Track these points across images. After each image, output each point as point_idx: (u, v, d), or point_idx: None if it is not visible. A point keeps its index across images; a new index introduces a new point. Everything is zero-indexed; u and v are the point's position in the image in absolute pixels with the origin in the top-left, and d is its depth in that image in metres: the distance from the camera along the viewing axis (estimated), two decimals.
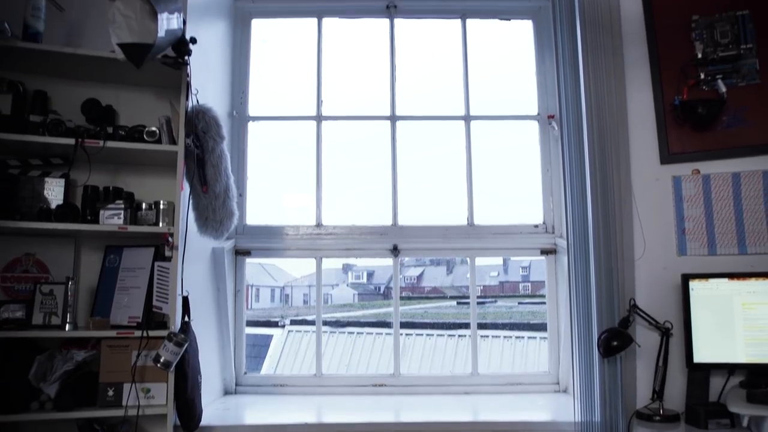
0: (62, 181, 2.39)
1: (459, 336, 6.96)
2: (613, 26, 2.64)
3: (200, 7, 2.74)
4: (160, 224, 2.35)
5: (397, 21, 3.27)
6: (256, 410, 2.77)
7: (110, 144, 2.30)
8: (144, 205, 2.37)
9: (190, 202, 2.42)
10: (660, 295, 2.53)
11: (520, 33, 3.29)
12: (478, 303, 3.15)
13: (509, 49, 3.36)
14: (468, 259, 3.15)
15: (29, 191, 2.37)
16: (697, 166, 2.59)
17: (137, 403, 2.22)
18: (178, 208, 2.32)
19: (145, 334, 2.23)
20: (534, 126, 3.19)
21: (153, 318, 2.33)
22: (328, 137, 3.20)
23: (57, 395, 2.18)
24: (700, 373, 2.42)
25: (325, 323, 7.50)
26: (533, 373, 3.10)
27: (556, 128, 2.94)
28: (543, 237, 3.08)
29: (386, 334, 7.08)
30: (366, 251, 3.15)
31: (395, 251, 3.07)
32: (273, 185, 3.35)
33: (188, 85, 2.35)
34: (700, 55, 2.60)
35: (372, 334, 7.33)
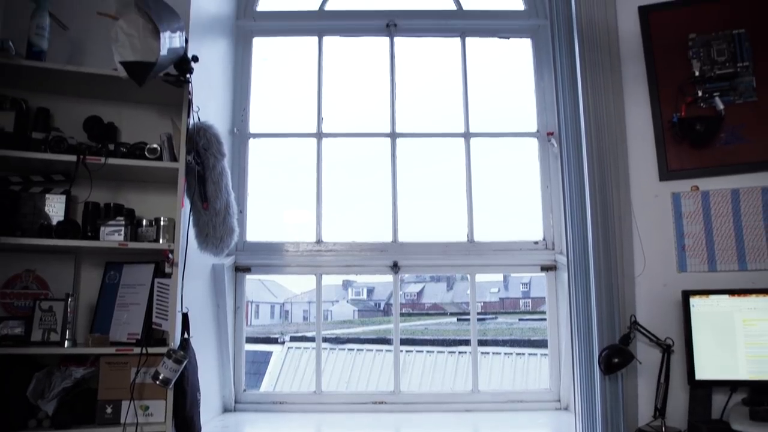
0: (63, 198, 2.40)
1: (459, 353, 6.93)
2: (611, 45, 2.67)
3: (202, 25, 2.77)
4: (161, 241, 2.35)
5: (397, 39, 3.31)
6: (256, 428, 2.75)
7: (111, 161, 2.31)
8: (144, 222, 2.37)
9: (191, 218, 2.43)
10: (660, 311, 2.52)
11: (519, 51, 3.32)
12: (479, 319, 3.14)
13: (508, 67, 3.39)
14: (468, 276, 3.15)
15: (30, 208, 2.37)
16: (696, 183, 2.60)
17: (136, 420, 2.20)
18: (179, 225, 2.33)
19: (144, 351, 2.22)
20: (533, 143, 3.20)
21: (152, 335, 2.32)
22: (329, 154, 3.22)
23: (55, 413, 2.16)
24: (702, 390, 2.40)
25: (325, 340, 7.47)
26: (534, 390, 3.08)
27: (556, 145, 2.96)
28: (543, 253, 3.08)
29: (386, 350, 7.05)
30: (366, 268, 3.15)
31: (395, 268, 3.07)
32: (273, 202, 3.36)
33: (190, 102, 2.36)
34: (697, 73, 2.63)
35: (372, 350, 7.30)
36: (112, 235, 2.30)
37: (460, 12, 3.34)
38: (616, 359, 2.35)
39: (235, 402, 2.98)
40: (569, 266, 2.61)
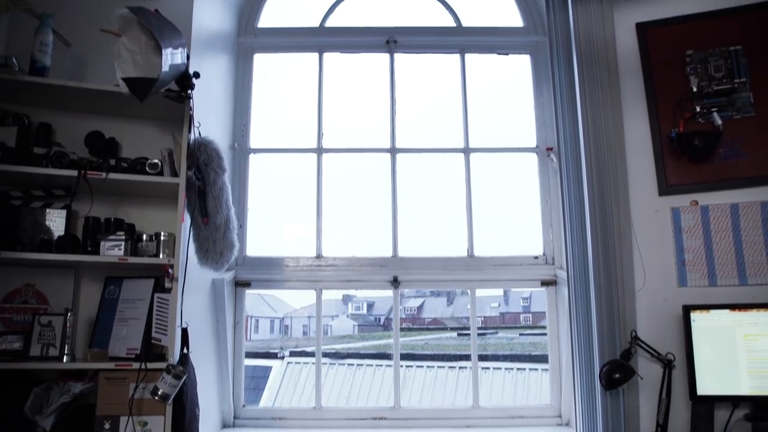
0: (64, 213, 2.41)
1: (460, 368, 6.89)
2: (610, 61, 2.69)
3: (204, 42, 2.80)
4: (161, 255, 2.36)
5: (397, 56, 3.33)
6: None
7: (112, 176, 2.32)
8: (145, 237, 2.38)
9: (191, 233, 2.43)
10: (661, 326, 2.52)
11: (518, 67, 3.35)
12: (479, 334, 3.13)
13: (508, 83, 3.41)
14: (468, 291, 3.14)
15: (31, 222, 2.37)
16: (695, 198, 2.61)
17: None
18: (179, 240, 2.33)
19: (143, 366, 2.21)
20: (533, 158, 3.22)
21: (151, 350, 2.31)
22: (329, 169, 3.23)
23: (53, 428, 2.15)
24: (704, 406, 2.39)
25: (325, 355, 7.44)
26: (535, 405, 3.06)
27: (555, 160, 2.97)
28: (543, 268, 3.08)
29: (386, 365, 7.00)
30: (366, 283, 3.14)
31: (395, 283, 3.07)
32: (273, 217, 3.37)
33: (191, 118, 2.38)
34: (695, 89, 2.65)
35: (372, 365, 7.25)
36: (112, 249, 2.30)
37: (459, 29, 3.37)
38: (617, 375, 2.35)
39: (234, 418, 2.96)
40: (569, 281, 2.61)
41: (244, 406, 3.01)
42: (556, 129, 2.75)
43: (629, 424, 2.41)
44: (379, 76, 3.32)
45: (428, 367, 7.09)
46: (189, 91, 2.35)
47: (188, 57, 2.32)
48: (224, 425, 2.93)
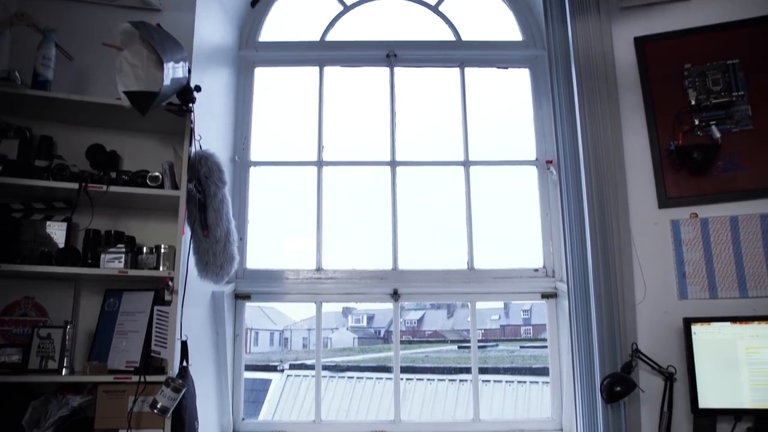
0: (64, 225, 2.41)
1: (460, 381, 6.86)
2: (608, 74, 2.71)
3: (205, 56, 2.82)
4: (161, 268, 2.36)
5: (397, 69, 3.36)
6: None
7: (113, 188, 2.33)
8: (145, 249, 2.38)
9: (191, 246, 2.43)
10: (662, 339, 2.51)
11: (518, 80, 3.37)
12: (480, 347, 3.13)
13: (507, 96, 3.43)
14: (468, 303, 3.14)
15: (31, 235, 2.38)
16: (694, 210, 2.61)
17: None
18: (179, 252, 2.33)
19: (142, 379, 2.20)
20: (533, 171, 3.23)
21: (151, 363, 2.30)
22: (329, 182, 3.24)
23: None
24: (706, 419, 2.38)
25: (325, 368, 7.39)
26: (536, 419, 3.04)
27: (555, 173, 2.98)
28: (543, 281, 3.08)
29: (386, 378, 6.97)
30: (366, 296, 3.14)
31: (395, 295, 3.06)
32: (274, 229, 3.37)
33: (192, 131, 2.39)
34: (693, 102, 2.66)
35: (372, 378, 7.22)
36: (113, 262, 2.30)
37: (459, 43, 3.39)
38: (618, 388, 2.34)
39: (234, 431, 2.95)
40: (570, 294, 2.61)
41: (243, 419, 3.00)
42: (556, 142, 2.76)
43: None
44: (379, 90, 3.34)
45: (428, 380, 7.05)
46: (190, 105, 2.37)
47: (190, 71, 2.34)
48: None
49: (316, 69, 3.37)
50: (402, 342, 3.80)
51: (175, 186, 2.39)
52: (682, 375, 2.42)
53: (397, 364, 3.07)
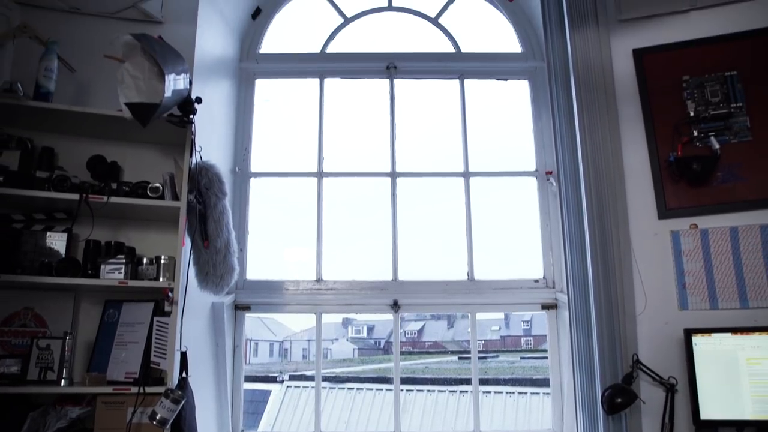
0: (65, 236, 2.41)
1: (460, 392, 6.83)
2: (607, 86, 2.72)
3: (207, 67, 2.83)
4: (161, 279, 2.36)
5: (397, 81, 3.38)
6: None
7: (114, 199, 2.33)
8: (145, 260, 2.38)
9: (191, 257, 2.43)
10: (663, 350, 2.50)
11: (517, 92, 3.38)
12: (480, 358, 3.11)
13: (507, 108, 3.45)
14: (469, 314, 3.13)
15: (31, 245, 2.38)
16: (694, 221, 2.62)
17: None
18: (179, 263, 2.33)
19: (141, 391, 2.19)
20: (532, 182, 3.23)
21: (150, 374, 2.30)
22: (329, 193, 3.24)
23: None
24: (707, 431, 2.37)
25: (324, 378, 7.37)
26: (537, 430, 3.04)
27: (555, 184, 2.98)
28: (543, 292, 3.07)
29: (386, 389, 6.94)
30: (366, 306, 3.14)
31: (395, 306, 3.06)
32: (274, 240, 3.37)
33: (192, 142, 2.40)
34: (692, 114, 2.67)
35: (372, 389, 7.19)
36: (113, 273, 2.30)
37: (458, 54, 3.41)
38: (619, 399, 2.33)
39: None
40: (570, 305, 2.60)
41: (242, 430, 2.98)
42: (555, 153, 2.77)
43: None
44: (379, 101, 3.35)
45: (429, 391, 7.02)
46: (191, 116, 2.38)
47: (191, 82, 2.35)
48: None
49: (317, 81, 3.39)
50: (402, 353, 3.79)
51: (176, 197, 2.39)
52: (683, 386, 2.41)
53: (397, 375, 3.06)
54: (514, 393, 6.57)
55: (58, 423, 2.16)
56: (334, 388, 7.42)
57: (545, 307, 3.07)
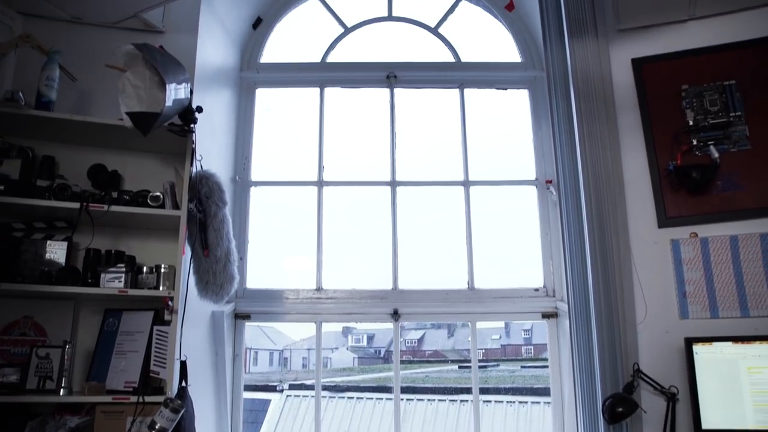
0: (65, 244, 2.41)
1: (461, 401, 6.80)
2: (606, 95, 2.73)
3: (207, 77, 2.85)
4: (161, 288, 2.35)
5: (397, 90, 3.39)
6: None
7: (114, 208, 2.33)
8: (145, 269, 2.38)
9: (191, 265, 2.43)
10: (664, 359, 2.50)
11: (517, 101, 3.40)
12: (480, 367, 3.11)
13: (506, 117, 3.46)
14: (469, 323, 3.12)
15: (32, 254, 2.38)
16: (694, 230, 2.62)
17: None
18: (179, 272, 2.33)
19: (141, 400, 2.19)
20: (532, 191, 3.24)
21: (149, 383, 2.29)
22: (329, 202, 3.25)
23: None
24: None
25: (324, 388, 7.34)
26: None
27: (554, 193, 2.99)
28: (544, 300, 3.07)
29: (386, 399, 6.92)
30: (366, 315, 3.13)
31: (396, 315, 3.05)
32: (274, 249, 3.37)
33: (193, 151, 2.41)
34: (691, 123, 2.68)
35: (372, 399, 7.16)
36: (113, 282, 2.30)
37: (458, 64, 3.43)
38: (620, 408, 2.32)
39: None
40: (570, 314, 2.60)
41: None
42: (555, 162, 2.78)
43: None
44: (379, 111, 3.37)
45: (429, 400, 7.00)
46: (192, 125, 2.39)
47: (191, 92, 2.36)
48: None
49: (317, 90, 3.41)
50: (402, 362, 3.78)
51: (176, 206, 2.40)
52: (684, 395, 2.40)
53: (398, 384, 3.05)
54: (514, 402, 6.54)
55: None
56: (334, 397, 7.39)
57: (545, 315, 3.06)
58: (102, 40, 2.68)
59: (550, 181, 3.12)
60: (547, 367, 3.08)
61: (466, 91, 3.39)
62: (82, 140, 2.54)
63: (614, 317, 2.49)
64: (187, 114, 2.35)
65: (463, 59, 3.43)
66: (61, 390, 2.23)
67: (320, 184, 3.26)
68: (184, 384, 2.28)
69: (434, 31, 3.50)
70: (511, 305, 3.07)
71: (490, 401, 6.54)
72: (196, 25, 2.74)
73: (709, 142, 2.64)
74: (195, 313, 2.56)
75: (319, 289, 3.13)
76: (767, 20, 2.70)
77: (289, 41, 3.50)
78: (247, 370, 3.13)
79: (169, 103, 2.13)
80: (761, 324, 2.46)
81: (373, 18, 3.53)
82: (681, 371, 2.45)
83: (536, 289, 3.10)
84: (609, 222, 2.58)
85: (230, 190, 3.04)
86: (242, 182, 3.23)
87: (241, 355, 3.05)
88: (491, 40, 3.51)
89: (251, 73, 3.36)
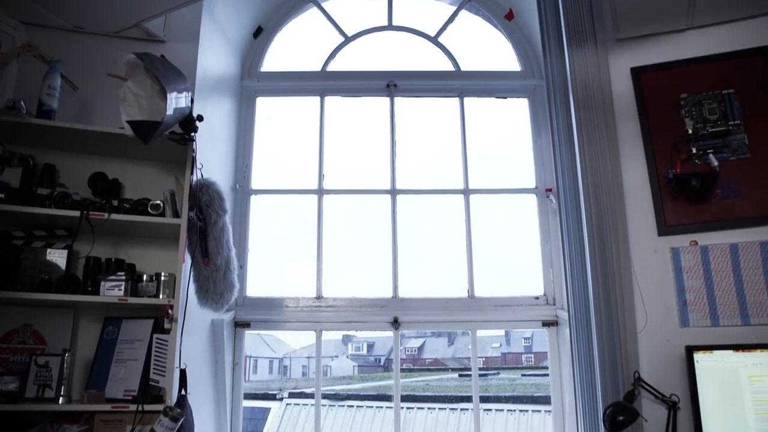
0: (65, 253, 2.41)
1: (461, 410, 6.77)
2: (606, 104, 2.74)
3: (208, 86, 2.86)
4: (161, 296, 2.35)
5: (397, 99, 3.40)
6: None
7: (114, 216, 2.34)
8: (145, 277, 2.38)
9: (191, 274, 2.43)
10: (664, 367, 2.49)
11: (517, 110, 3.41)
12: (481, 375, 3.10)
13: (506, 125, 3.47)
14: (469, 331, 3.12)
15: (32, 262, 2.38)
16: (694, 238, 2.62)
17: None
18: (179, 280, 2.33)
19: (140, 408, 2.18)
20: (532, 199, 3.24)
21: (149, 391, 2.28)
22: (330, 210, 3.25)
23: None
24: None
25: (324, 396, 7.31)
26: None
27: (554, 201, 2.99)
28: (544, 309, 3.07)
29: (386, 407, 6.89)
30: (366, 324, 3.13)
31: (396, 324, 3.05)
32: (274, 257, 3.37)
33: (193, 159, 2.41)
34: (690, 131, 2.69)
35: (372, 407, 7.13)
36: (112, 290, 2.30)
37: (458, 73, 3.44)
38: (620, 417, 2.31)
39: None
40: (570, 322, 2.60)
41: None
42: (555, 170, 2.78)
43: None
44: (379, 119, 3.38)
45: (429, 409, 6.96)
46: (192, 134, 2.39)
47: (192, 100, 2.37)
48: None
49: (317, 99, 3.42)
50: (402, 370, 3.77)
51: (176, 214, 2.40)
52: (685, 404, 2.40)
53: (398, 392, 3.04)
54: (515, 411, 6.51)
55: None
56: (334, 405, 7.36)
57: (546, 324, 3.06)
58: (103, 49, 2.69)
59: (550, 190, 3.12)
60: (547, 375, 3.08)
61: (466, 99, 3.40)
62: (82, 149, 2.55)
63: (614, 325, 2.48)
64: (188, 123, 2.36)
65: (463, 68, 3.45)
66: (60, 398, 2.23)
67: (320, 192, 3.26)
68: (183, 392, 2.27)
69: (434, 40, 3.52)
70: (511, 313, 3.07)
71: (490, 410, 6.51)
72: (197, 35, 2.76)
73: (709, 151, 2.65)
74: (195, 322, 2.56)
75: (319, 297, 3.13)
76: (765, 29, 2.71)
77: (290, 50, 3.51)
78: (246, 379, 3.12)
79: (170, 111, 2.13)
80: (762, 332, 2.46)
81: (374, 27, 3.55)
82: (682, 380, 2.44)
83: (536, 298, 3.10)
84: (609, 230, 2.58)
85: (230, 198, 3.05)
86: (242, 190, 3.23)
87: (241, 364, 3.05)
88: (491, 49, 3.52)
89: (252, 82, 3.37)
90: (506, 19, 3.44)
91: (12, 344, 2.38)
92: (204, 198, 2.45)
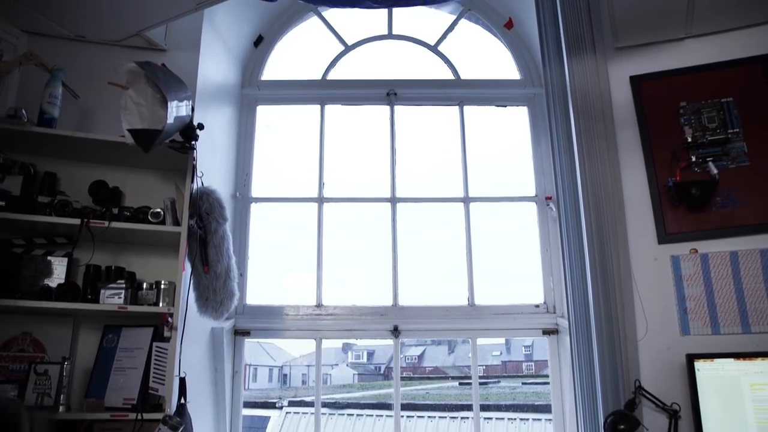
0: (65, 260, 2.41)
1: (461, 418, 6.75)
2: (605, 112, 2.75)
3: (209, 94, 2.87)
4: (161, 304, 2.35)
5: (397, 107, 3.41)
6: None
7: (115, 224, 2.34)
8: (145, 285, 2.38)
9: (191, 282, 2.43)
10: (665, 375, 2.48)
11: (516, 118, 3.42)
12: (481, 383, 3.09)
13: (506, 133, 3.48)
14: (470, 340, 3.11)
15: (32, 270, 2.38)
16: (694, 246, 2.61)
17: None
18: (179, 288, 2.33)
19: (139, 417, 2.17)
20: (532, 207, 3.25)
21: (148, 400, 2.28)
22: (330, 218, 3.26)
23: None
24: None
25: (324, 404, 7.29)
26: None
27: (554, 209, 2.99)
28: (544, 317, 3.06)
29: (386, 416, 6.87)
30: (366, 332, 3.12)
31: (396, 332, 3.04)
32: (274, 265, 3.37)
33: (194, 168, 2.42)
34: (690, 139, 2.69)
35: (372, 415, 7.11)
36: (112, 298, 2.30)
37: (458, 81, 3.45)
38: (621, 425, 2.30)
39: None
40: (571, 330, 2.59)
41: None
42: (555, 179, 2.78)
43: None
44: (379, 127, 3.39)
45: (429, 417, 6.95)
46: (193, 142, 2.40)
47: (193, 109, 2.38)
48: None
49: (318, 107, 3.43)
50: (402, 378, 3.76)
51: (177, 222, 2.40)
52: (686, 412, 2.39)
53: (398, 400, 3.03)
54: (515, 419, 6.50)
55: None
56: (334, 414, 7.34)
57: (546, 332, 3.05)
58: (104, 58, 2.70)
59: (550, 198, 3.13)
60: (548, 383, 3.07)
61: (466, 108, 3.41)
62: (83, 157, 2.56)
63: (615, 334, 2.48)
64: (189, 131, 2.37)
65: (463, 77, 3.46)
66: (60, 407, 2.22)
67: (320, 200, 3.27)
68: (183, 401, 2.26)
69: (434, 48, 3.53)
70: (511, 321, 3.06)
71: (491, 418, 6.49)
72: (198, 43, 2.77)
73: (708, 159, 2.65)
74: (195, 330, 2.56)
75: (319, 305, 3.12)
76: (763, 38, 2.72)
77: (290, 59, 3.53)
78: (246, 387, 3.11)
79: (170, 120, 2.14)
80: (763, 340, 2.45)
81: (374, 36, 3.56)
82: (683, 388, 2.43)
83: (537, 306, 3.09)
84: (609, 238, 2.58)
85: (231, 206, 3.05)
86: (243, 198, 3.24)
87: (241, 372, 3.04)
88: (490, 58, 3.54)
89: (252, 90, 3.39)
90: (506, 28, 3.45)
91: (11, 352, 2.38)
92: (204, 206, 2.45)
